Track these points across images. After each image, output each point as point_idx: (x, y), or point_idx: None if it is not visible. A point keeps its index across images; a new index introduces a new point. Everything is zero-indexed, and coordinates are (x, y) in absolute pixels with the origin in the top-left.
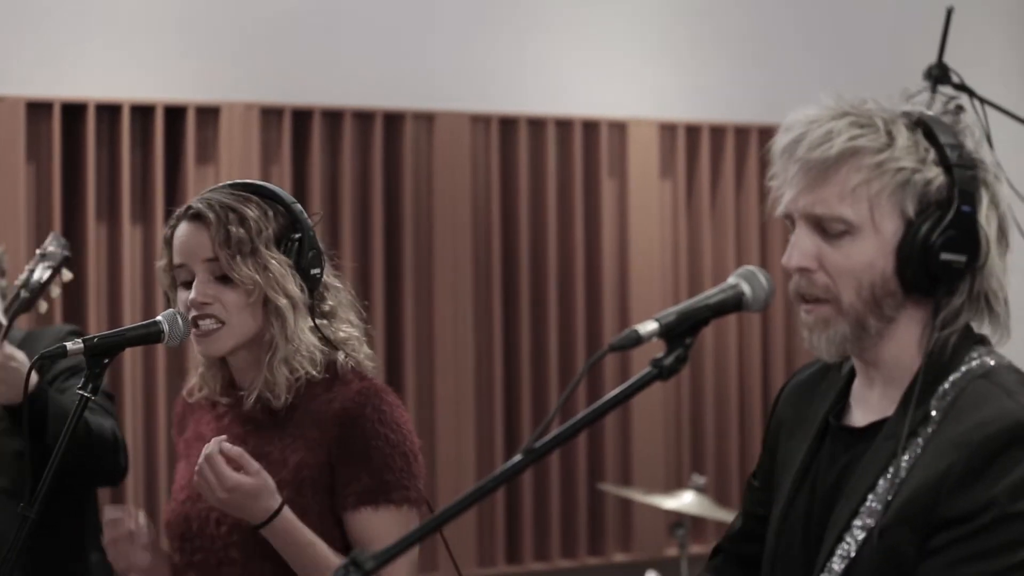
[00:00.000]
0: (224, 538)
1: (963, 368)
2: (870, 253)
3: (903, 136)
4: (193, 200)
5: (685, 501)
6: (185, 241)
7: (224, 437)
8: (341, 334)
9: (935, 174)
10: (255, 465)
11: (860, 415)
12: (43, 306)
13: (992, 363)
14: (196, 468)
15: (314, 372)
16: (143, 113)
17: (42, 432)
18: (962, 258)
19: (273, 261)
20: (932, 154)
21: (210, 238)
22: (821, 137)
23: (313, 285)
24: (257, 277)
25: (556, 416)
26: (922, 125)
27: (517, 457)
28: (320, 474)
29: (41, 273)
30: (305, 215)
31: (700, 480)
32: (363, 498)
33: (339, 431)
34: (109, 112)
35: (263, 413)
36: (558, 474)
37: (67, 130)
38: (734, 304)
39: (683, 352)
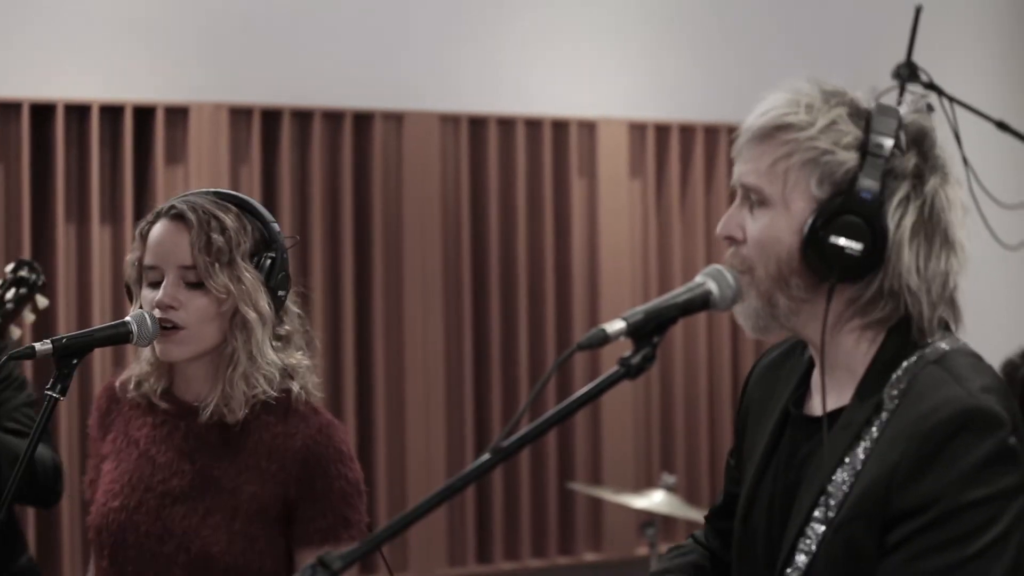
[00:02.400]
0: (168, 557)
1: (916, 355)
2: (780, 228)
3: (827, 117)
4: (174, 200)
5: (655, 500)
6: (162, 242)
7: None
8: (292, 360)
9: (849, 158)
10: None
11: (818, 403)
12: (16, 332)
13: (946, 347)
14: None
15: (271, 391)
16: (112, 114)
17: None
18: (856, 246)
19: (247, 274)
20: (851, 139)
21: (190, 242)
22: (760, 112)
23: (278, 306)
24: (231, 287)
25: (525, 415)
26: (864, 115)
27: (486, 456)
28: (273, 505)
29: (13, 297)
30: (281, 236)
31: (670, 479)
32: (327, 535)
33: (301, 471)
34: (78, 112)
35: (215, 432)
36: (528, 473)
37: (36, 131)
38: (701, 303)
39: (651, 351)
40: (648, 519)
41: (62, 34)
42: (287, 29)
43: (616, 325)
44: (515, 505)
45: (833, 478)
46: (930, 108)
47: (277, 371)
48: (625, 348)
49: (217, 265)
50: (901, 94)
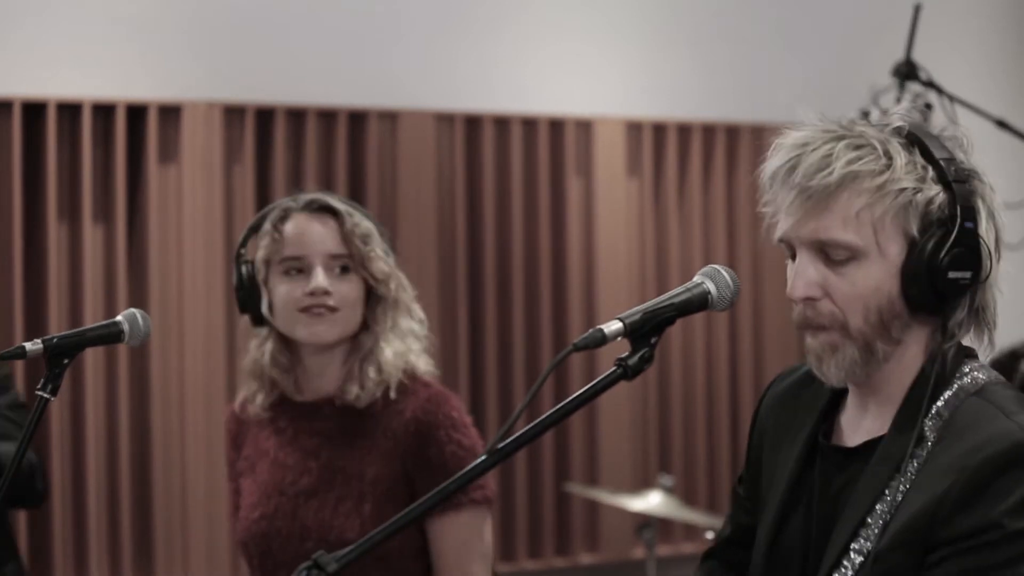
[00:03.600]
0: (311, 554)
1: (955, 385)
2: (876, 277)
3: (901, 156)
4: (303, 195)
5: (652, 502)
6: (307, 232)
7: None
8: (403, 345)
9: (935, 192)
10: None
11: (852, 434)
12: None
13: (983, 378)
14: None
15: (400, 378)
16: (104, 112)
17: None
18: (967, 275)
19: (390, 260)
20: (930, 172)
21: (339, 231)
22: (819, 163)
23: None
24: (386, 268)
25: (521, 416)
26: (916, 141)
27: (482, 457)
28: (397, 485)
29: None
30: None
31: (667, 481)
32: (446, 503)
33: (414, 441)
34: (70, 111)
35: (334, 424)
36: (524, 474)
37: (27, 129)
38: (699, 303)
39: (648, 352)
40: (645, 521)
41: (54, 32)
42: (281, 27)
43: (613, 326)
44: (511, 506)
45: (873, 510)
46: (929, 107)
47: (407, 356)
48: (622, 349)
49: (371, 250)
50: (900, 92)
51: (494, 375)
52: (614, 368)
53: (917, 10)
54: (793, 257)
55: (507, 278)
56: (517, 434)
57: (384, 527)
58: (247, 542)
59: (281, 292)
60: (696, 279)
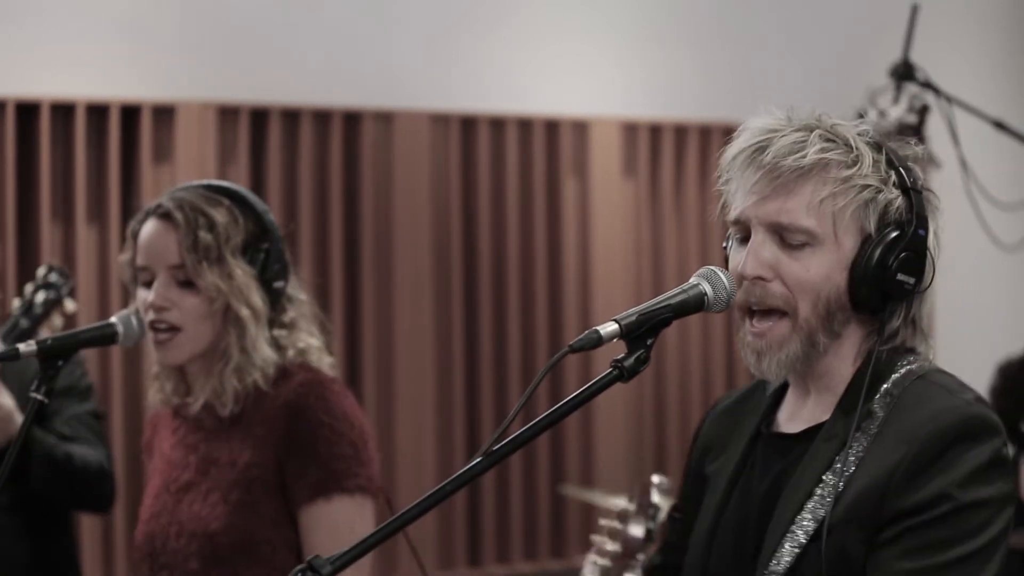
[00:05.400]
0: (183, 550)
1: (902, 370)
2: (829, 266)
3: (869, 155)
4: (163, 197)
5: None
6: (151, 242)
7: None
8: (300, 344)
9: (895, 195)
10: None
11: (792, 423)
12: (44, 335)
13: (928, 366)
14: None
15: (263, 384)
16: (98, 112)
17: (26, 473)
18: (912, 280)
19: (238, 270)
20: (893, 176)
21: (177, 242)
22: (791, 146)
23: (275, 298)
24: (222, 285)
25: (516, 417)
26: (882, 146)
27: (477, 459)
28: (269, 473)
29: (42, 300)
30: (275, 225)
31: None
32: (316, 489)
33: (284, 425)
34: (63, 111)
35: (212, 419)
36: (520, 476)
37: (21, 129)
38: (695, 304)
39: (644, 353)
40: None
41: (48, 33)
42: (275, 28)
43: (609, 327)
44: (506, 508)
45: (822, 481)
46: (926, 108)
47: (273, 363)
48: (618, 350)
49: (205, 264)
50: (897, 93)
51: (489, 376)
52: (610, 370)
53: (915, 10)
54: (744, 240)
55: (502, 278)
56: (512, 436)
57: (382, 527)
58: (139, 546)
59: (138, 300)
60: (692, 280)
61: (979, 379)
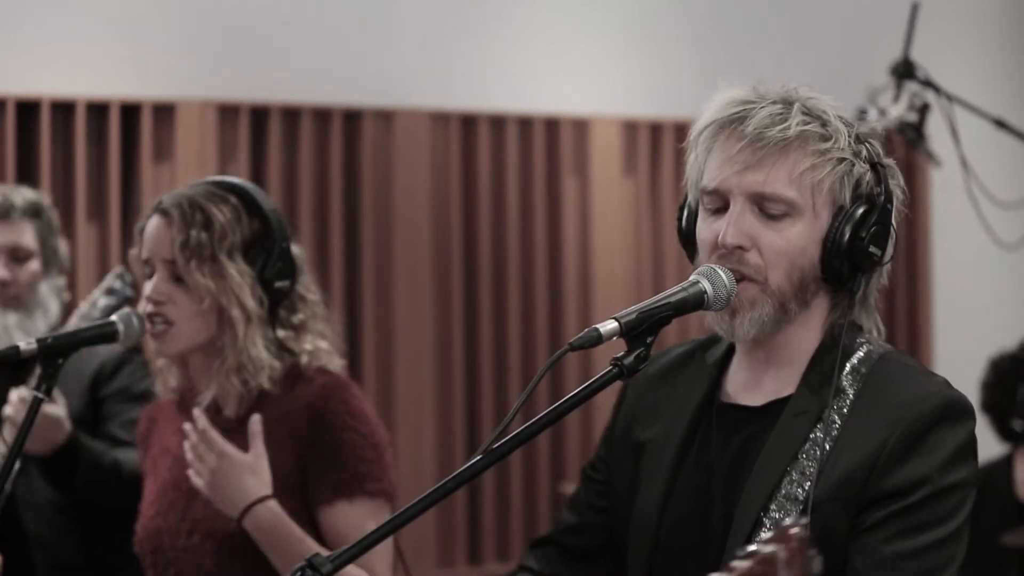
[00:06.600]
0: (196, 548)
1: (863, 349)
2: (805, 237)
3: (844, 129)
4: (168, 194)
5: None
6: (151, 236)
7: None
8: (307, 346)
9: (865, 169)
10: (260, 448)
11: (751, 395)
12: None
13: (885, 346)
14: (186, 445)
15: (267, 386)
16: (98, 111)
17: (71, 480)
18: (879, 253)
19: (231, 270)
20: (864, 150)
21: (171, 238)
22: (772, 118)
23: (277, 298)
24: (211, 285)
25: (516, 415)
26: (849, 122)
27: (477, 457)
28: (290, 476)
29: (103, 306)
30: (282, 225)
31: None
32: (338, 491)
33: (307, 428)
34: (63, 110)
35: (220, 418)
36: (520, 474)
37: (21, 128)
38: (695, 303)
39: (644, 351)
40: None
41: (47, 31)
42: (276, 26)
43: (609, 325)
44: (506, 506)
45: (796, 459)
46: (927, 106)
47: (275, 362)
48: (618, 348)
49: (195, 262)
50: (898, 91)
51: (489, 374)
52: (610, 368)
53: (915, 9)
54: (717, 211)
55: (503, 277)
56: (512, 434)
57: (383, 525)
58: (141, 541)
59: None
60: (692, 278)
61: (979, 378)
